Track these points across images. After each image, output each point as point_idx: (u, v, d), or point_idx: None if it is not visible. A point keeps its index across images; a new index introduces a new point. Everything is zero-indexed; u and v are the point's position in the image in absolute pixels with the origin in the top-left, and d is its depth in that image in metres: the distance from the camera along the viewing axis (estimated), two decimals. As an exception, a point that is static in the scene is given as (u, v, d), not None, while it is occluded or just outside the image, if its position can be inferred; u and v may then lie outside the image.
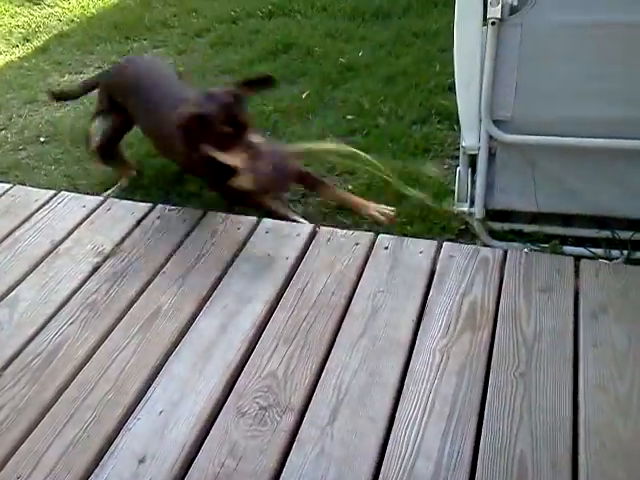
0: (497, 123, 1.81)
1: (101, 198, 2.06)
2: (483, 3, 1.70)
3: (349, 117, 2.63)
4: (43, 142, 2.81)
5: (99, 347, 1.54)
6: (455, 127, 2.42)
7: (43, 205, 2.03)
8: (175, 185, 2.33)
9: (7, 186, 2.13)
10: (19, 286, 1.74)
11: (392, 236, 1.82)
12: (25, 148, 2.77)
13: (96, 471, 1.26)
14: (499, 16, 1.68)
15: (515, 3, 1.70)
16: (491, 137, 1.82)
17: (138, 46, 3.69)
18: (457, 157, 2.15)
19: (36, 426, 1.37)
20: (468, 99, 1.81)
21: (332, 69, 3.05)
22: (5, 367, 1.52)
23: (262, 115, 2.69)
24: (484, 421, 1.26)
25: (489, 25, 1.70)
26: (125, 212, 1.98)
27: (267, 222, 1.89)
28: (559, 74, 1.73)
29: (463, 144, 1.88)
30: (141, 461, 1.27)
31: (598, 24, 1.64)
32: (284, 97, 2.84)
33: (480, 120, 1.81)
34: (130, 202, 2.04)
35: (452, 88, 1.93)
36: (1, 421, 1.38)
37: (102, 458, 1.28)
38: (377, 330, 1.49)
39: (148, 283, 1.70)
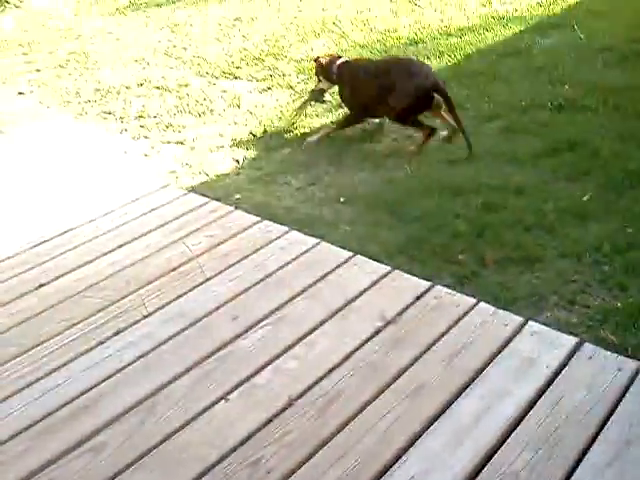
0: None
1: (389, 268, 2.41)
2: None
3: (629, 230, 2.67)
4: (342, 202, 3.30)
5: (372, 402, 1.85)
6: None
7: (342, 264, 2.45)
8: (449, 264, 2.61)
9: (316, 241, 2.60)
10: (316, 331, 2.14)
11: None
12: (327, 205, 3.29)
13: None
14: None
15: None
16: None
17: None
18: None
19: (314, 455, 1.70)
20: None
21: (618, 174, 3.09)
22: (297, 398, 1.90)
23: (539, 212, 2.86)
24: None
25: None
26: (407, 285, 2.31)
27: (534, 325, 2.06)
28: None
29: None
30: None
31: None
32: (564, 196, 2.97)
33: None
34: (413, 278, 2.35)
35: None
36: (290, 442, 1.75)
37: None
38: (629, 464, 1.57)
39: (419, 357, 1.98)
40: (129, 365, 1.99)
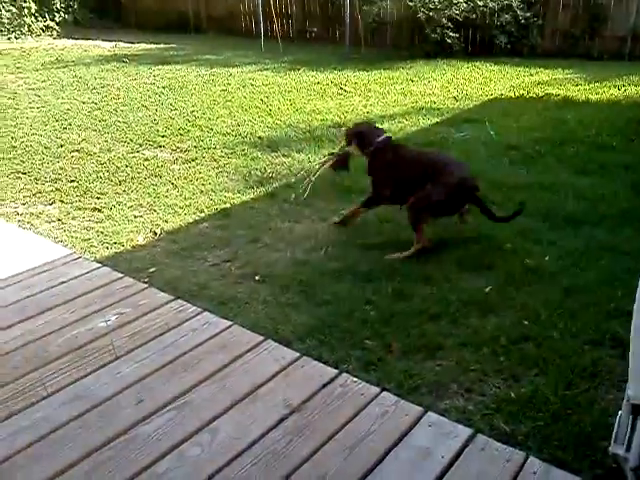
0: (666, 383, 1.93)
1: (298, 354, 2.45)
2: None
3: (525, 322, 2.85)
4: (258, 280, 3.35)
5: (273, 493, 1.85)
6: (627, 356, 2.54)
7: (252, 348, 2.46)
8: (357, 350, 2.69)
9: (228, 323, 2.61)
10: (221, 418, 2.13)
11: (542, 462, 1.97)
12: (242, 283, 3.33)
13: None
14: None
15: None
16: (657, 394, 1.94)
17: (347, 207, 4.25)
18: (624, 389, 2.26)
19: None
20: (640, 353, 1.96)
21: (518, 268, 3.31)
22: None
23: (444, 302, 3.01)
24: None
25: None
26: (315, 372, 2.35)
27: (432, 416, 2.14)
28: None
29: (629, 392, 2.00)
30: None
31: None
32: (467, 288, 3.14)
33: (649, 376, 1.94)
34: (320, 364, 2.40)
35: (632, 315, 2.09)
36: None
37: None
38: None
39: (321, 446, 2.01)
40: (20, 452, 1.91)
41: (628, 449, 2.04)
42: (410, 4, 9.71)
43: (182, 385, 2.22)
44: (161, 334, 2.49)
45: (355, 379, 2.34)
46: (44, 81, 8.27)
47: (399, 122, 6.39)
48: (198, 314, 2.64)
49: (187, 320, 2.59)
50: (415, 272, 3.30)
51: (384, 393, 2.27)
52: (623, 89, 7.49)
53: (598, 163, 4.92)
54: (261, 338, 2.51)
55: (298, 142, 5.74)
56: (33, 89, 7.82)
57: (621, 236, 3.60)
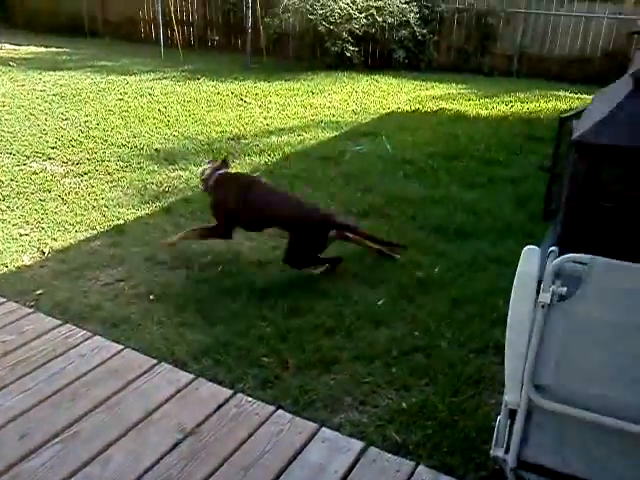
0: (538, 388, 2.08)
1: (192, 376, 2.43)
2: (537, 286, 2.05)
3: (416, 333, 2.97)
4: (152, 300, 3.28)
5: (165, 521, 1.83)
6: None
7: (145, 372, 2.42)
8: (253, 368, 2.70)
9: (120, 347, 2.55)
10: (112, 446, 2.08)
11: (430, 470, 2.07)
12: (136, 303, 3.25)
13: None
14: (548, 301, 2.01)
15: (564, 293, 2.04)
16: (530, 399, 2.09)
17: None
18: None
19: None
20: (514, 362, 2.11)
21: (409, 281, 3.44)
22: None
23: (339, 316, 3.08)
24: None
25: (539, 307, 2.04)
26: (210, 394, 2.34)
27: (326, 431, 2.19)
28: (595, 359, 2.01)
29: (506, 397, 2.14)
30: None
31: (637, 326, 1.93)
32: (362, 301, 3.23)
33: (522, 382, 2.09)
34: (216, 385, 2.40)
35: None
36: None
37: None
38: None
39: (216, 469, 2.01)
40: None
41: (507, 451, 2.18)
42: (311, 17, 9.85)
43: (71, 415, 2.14)
44: (47, 361, 2.40)
45: (250, 399, 2.36)
46: None
47: (298, 135, 6.47)
48: (88, 339, 2.56)
49: (76, 345, 2.51)
50: (311, 287, 3.37)
51: (279, 411, 2.30)
52: (510, 105, 7.96)
53: (486, 177, 5.21)
54: (154, 361, 2.48)
55: (196, 154, 5.68)
56: None
57: (505, 247, 3.82)
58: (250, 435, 2.17)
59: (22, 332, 2.56)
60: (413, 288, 3.37)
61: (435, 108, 7.76)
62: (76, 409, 2.18)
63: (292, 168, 5.39)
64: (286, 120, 7.12)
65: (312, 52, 10.59)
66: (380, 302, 3.23)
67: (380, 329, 3.00)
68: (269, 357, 2.77)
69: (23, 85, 8.05)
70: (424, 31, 10.26)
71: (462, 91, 8.92)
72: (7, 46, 10.89)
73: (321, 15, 9.77)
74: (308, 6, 9.88)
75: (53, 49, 10.94)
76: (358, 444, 2.17)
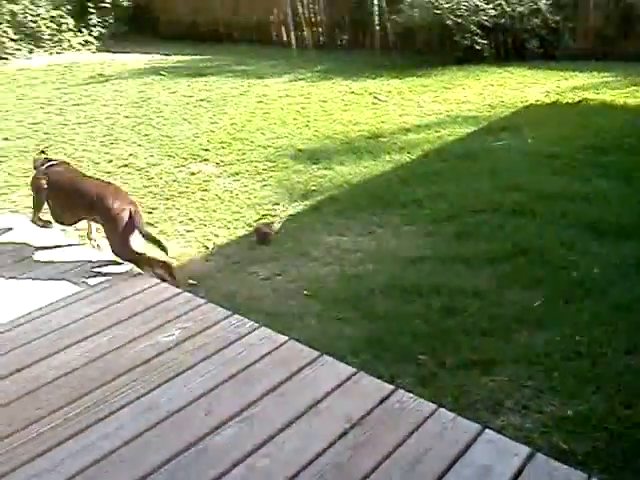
0: None
1: (354, 370, 2.52)
2: None
3: (577, 338, 2.87)
4: (308, 295, 3.42)
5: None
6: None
7: (309, 363, 2.53)
8: (411, 365, 2.74)
9: (285, 338, 2.69)
10: (284, 431, 2.21)
11: None
12: (293, 297, 3.40)
13: None
14: None
15: None
16: None
17: (390, 219, 4.33)
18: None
19: None
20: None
21: (565, 282, 3.33)
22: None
23: (494, 317, 3.05)
24: None
25: None
26: (372, 388, 2.41)
27: (490, 433, 2.18)
28: None
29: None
30: None
31: None
32: (517, 302, 3.17)
33: None
34: (377, 380, 2.47)
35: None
36: None
37: None
38: None
39: (381, 462, 2.07)
40: (99, 461, 2.02)
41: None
42: (437, 12, 9.72)
43: (246, 398, 2.30)
44: (222, 348, 2.59)
45: (411, 395, 2.40)
46: (88, 96, 8.49)
47: (436, 131, 6.42)
48: (255, 329, 2.73)
49: (246, 335, 2.68)
50: (464, 287, 3.35)
51: (441, 409, 2.32)
52: (662, 93, 7.40)
53: (641, 172, 4.90)
54: (317, 353, 2.58)
55: (337, 154, 5.81)
56: (78, 105, 8.03)
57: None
58: (413, 431, 2.21)
59: (198, 321, 2.78)
60: (570, 290, 3.25)
61: (577, 99, 7.36)
62: (250, 393, 2.34)
63: (432, 165, 5.38)
64: (422, 117, 7.08)
65: (441, 46, 10.41)
66: (536, 304, 3.15)
67: (538, 332, 2.94)
68: (426, 355, 2.80)
69: (174, 92, 8.63)
70: (557, 18, 9.76)
71: (605, 79, 8.37)
72: (157, 56, 11.71)
73: (447, 9, 9.61)
74: (433, 0, 9.76)
75: (196, 56, 11.62)
76: (525, 449, 2.14)
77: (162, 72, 9.94)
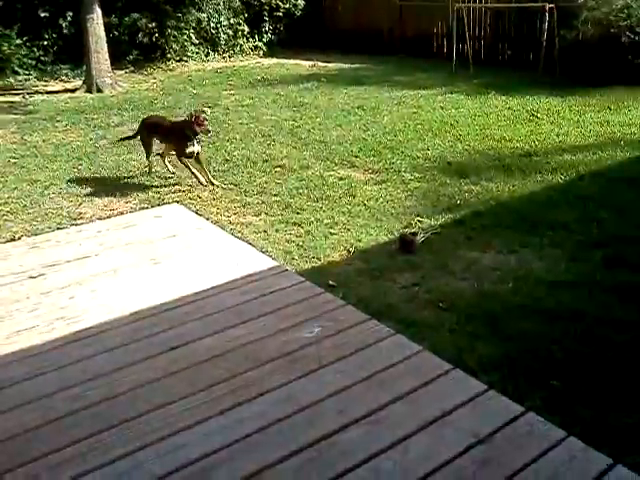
0: None
1: (484, 387, 2.53)
2: None
3: None
4: (442, 307, 3.48)
5: None
6: None
7: (441, 375, 2.59)
8: (541, 389, 2.71)
9: (418, 348, 2.77)
10: (411, 437, 2.30)
11: None
12: (428, 308, 3.47)
13: None
14: None
15: None
16: None
17: (535, 240, 4.24)
18: None
19: None
20: None
21: None
22: None
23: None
24: None
25: None
26: (501, 407, 2.42)
27: (622, 470, 2.13)
28: None
29: None
30: None
31: None
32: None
33: None
34: (507, 400, 2.48)
35: None
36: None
37: None
38: None
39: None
40: (244, 439, 2.23)
41: None
42: (614, 30, 9.21)
43: (377, 401, 2.42)
44: (358, 350, 2.73)
45: (541, 419, 2.39)
46: (252, 98, 9.08)
47: (594, 154, 6.15)
48: (391, 335, 2.84)
49: (381, 340, 2.80)
50: (608, 316, 3.24)
51: (571, 438, 2.29)
52: None
53: None
54: (449, 366, 2.64)
55: (487, 170, 5.77)
56: (242, 105, 8.63)
57: None
58: (540, 455, 2.20)
59: (337, 321, 2.94)
60: None
61: None
62: (381, 397, 2.45)
63: (587, 189, 5.18)
64: (580, 137, 6.80)
65: (610, 65, 9.86)
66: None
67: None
68: (558, 381, 2.76)
69: (331, 99, 8.97)
70: None
71: None
72: (319, 63, 12.22)
73: (625, 26, 9.08)
74: (612, 17, 9.25)
75: (356, 65, 11.96)
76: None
77: (322, 79, 10.36)
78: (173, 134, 5.52)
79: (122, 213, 4.85)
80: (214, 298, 3.20)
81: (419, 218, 4.67)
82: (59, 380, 2.52)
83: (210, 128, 5.53)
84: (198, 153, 5.45)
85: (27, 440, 2.21)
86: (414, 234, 4.29)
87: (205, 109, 6.57)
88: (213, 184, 5.50)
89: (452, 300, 3.53)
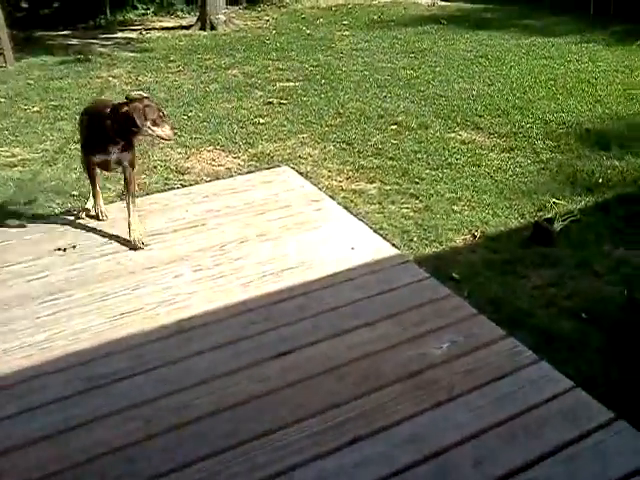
0: None
1: None
2: None
3: None
4: (586, 319, 2.99)
5: None
6: None
7: (603, 426, 2.05)
8: None
9: (570, 384, 2.23)
10: None
11: None
12: (568, 318, 3.00)
13: None
14: None
15: None
16: None
17: None
18: None
19: None
20: None
21: None
22: None
23: None
24: None
25: None
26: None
27: None
28: None
29: None
30: None
31: None
32: None
33: None
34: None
35: None
36: None
37: None
38: None
39: None
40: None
41: None
42: None
43: (525, 454, 2.01)
44: (495, 379, 2.32)
45: None
46: (367, 42, 8.49)
47: None
48: (535, 362, 2.39)
49: (523, 367, 2.36)
50: None
51: None
52: None
53: None
54: (611, 415, 2.18)
55: (634, 141, 5.04)
56: (357, 50, 8.07)
57: None
58: None
59: (469, 336, 2.52)
60: None
61: None
62: (530, 449, 1.99)
63: None
64: None
65: None
66: None
67: None
68: None
69: (452, 44, 8.24)
70: None
71: None
72: (439, 2, 11.33)
73: None
74: None
75: (478, 5, 10.96)
76: None
77: (442, 21, 9.56)
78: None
79: (229, 170, 4.58)
80: (328, 291, 2.84)
81: (554, 199, 4.10)
82: (162, 382, 2.29)
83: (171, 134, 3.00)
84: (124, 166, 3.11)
85: (128, 459, 1.99)
86: (550, 221, 3.76)
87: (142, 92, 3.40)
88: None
89: (598, 310, 3.04)
